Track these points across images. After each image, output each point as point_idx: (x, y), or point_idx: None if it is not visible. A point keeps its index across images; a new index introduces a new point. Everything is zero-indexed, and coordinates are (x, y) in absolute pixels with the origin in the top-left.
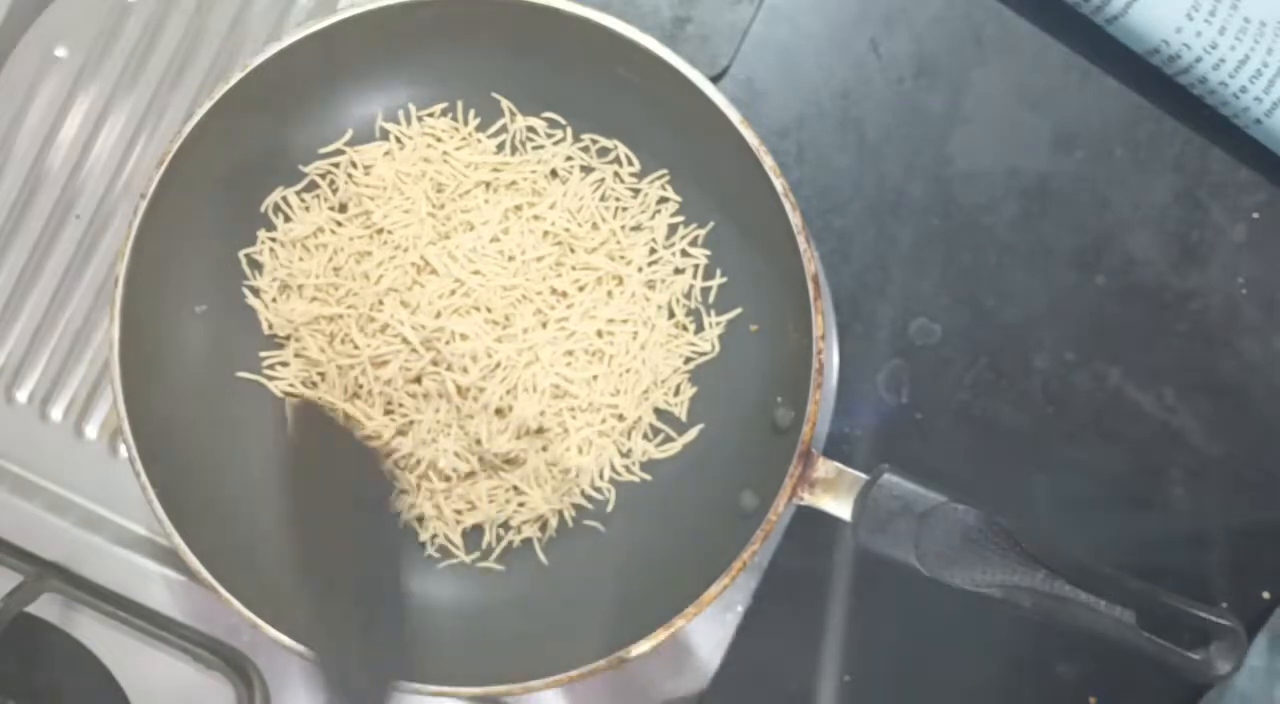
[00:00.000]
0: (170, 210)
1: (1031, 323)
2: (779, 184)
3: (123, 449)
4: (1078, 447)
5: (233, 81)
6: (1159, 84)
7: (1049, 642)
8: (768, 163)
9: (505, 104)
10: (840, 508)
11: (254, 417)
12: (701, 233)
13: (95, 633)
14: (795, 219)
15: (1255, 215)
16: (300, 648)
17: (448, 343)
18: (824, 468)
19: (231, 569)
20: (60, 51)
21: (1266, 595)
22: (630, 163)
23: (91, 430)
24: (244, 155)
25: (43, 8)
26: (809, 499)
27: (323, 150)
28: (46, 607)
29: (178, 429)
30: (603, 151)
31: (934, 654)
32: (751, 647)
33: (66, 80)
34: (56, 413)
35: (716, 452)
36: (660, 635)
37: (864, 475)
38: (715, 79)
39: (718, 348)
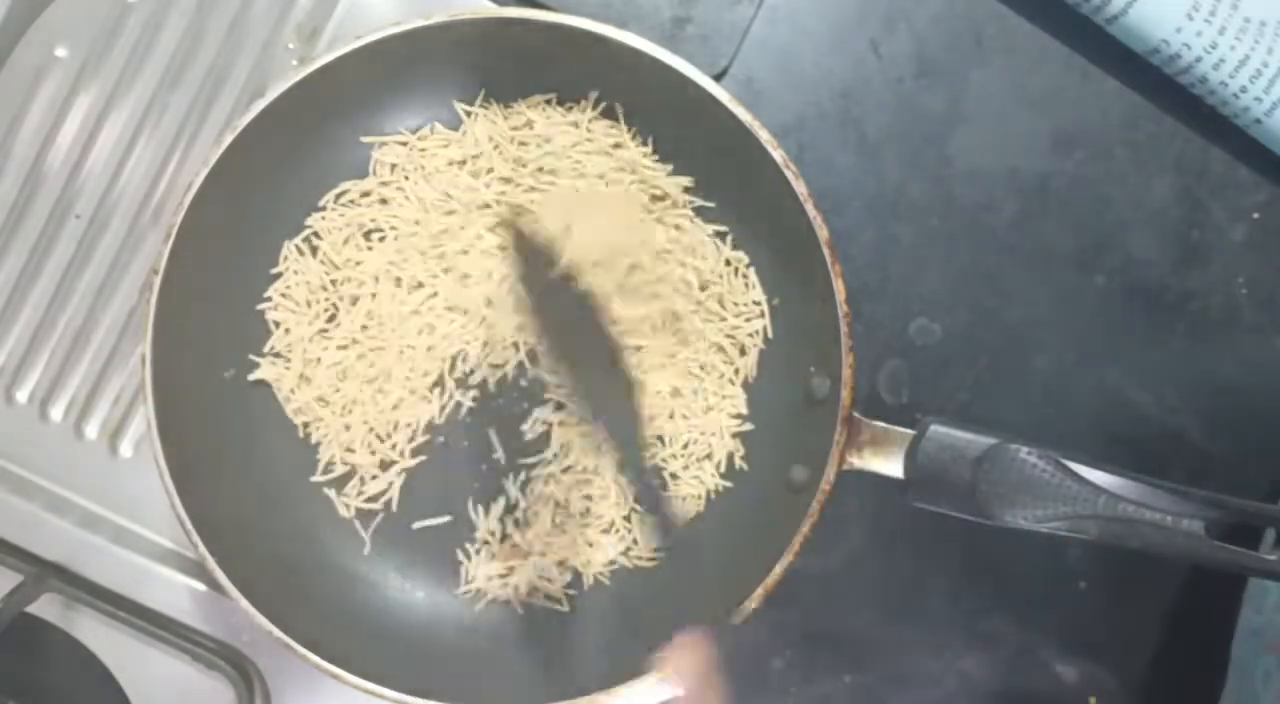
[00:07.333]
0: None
1: (1031, 323)
2: (778, 155)
3: (122, 449)
4: (1078, 447)
5: (224, 144)
6: (1159, 84)
7: (1049, 642)
8: (763, 137)
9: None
10: (891, 467)
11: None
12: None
13: (95, 633)
14: (800, 187)
15: (1255, 215)
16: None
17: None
18: (869, 430)
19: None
20: (60, 51)
21: None
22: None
23: (91, 430)
24: (244, 216)
25: (43, 8)
26: (859, 463)
27: (320, 201)
28: (46, 607)
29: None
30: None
31: (933, 654)
32: (752, 646)
33: (66, 80)
34: (56, 413)
35: (762, 431)
36: (752, 603)
37: (909, 431)
38: (715, 79)
39: (771, 330)
